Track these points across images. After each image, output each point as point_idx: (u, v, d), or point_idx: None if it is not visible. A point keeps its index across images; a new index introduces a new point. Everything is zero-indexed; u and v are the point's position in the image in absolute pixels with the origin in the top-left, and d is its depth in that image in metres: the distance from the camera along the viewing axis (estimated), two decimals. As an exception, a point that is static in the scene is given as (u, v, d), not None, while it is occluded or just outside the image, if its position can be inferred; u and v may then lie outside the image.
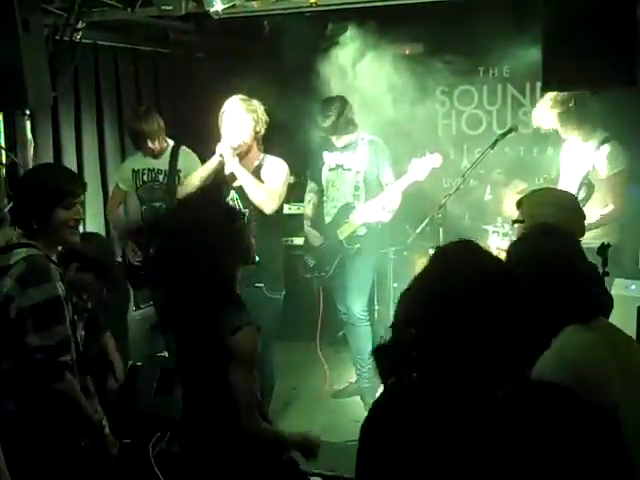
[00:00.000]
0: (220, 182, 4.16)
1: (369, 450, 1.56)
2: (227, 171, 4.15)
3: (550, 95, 4.22)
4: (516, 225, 3.03)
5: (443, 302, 1.53)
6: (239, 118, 4.08)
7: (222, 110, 4.13)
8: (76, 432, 2.77)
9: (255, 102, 4.15)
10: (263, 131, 4.17)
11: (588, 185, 4.09)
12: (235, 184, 4.15)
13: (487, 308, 1.50)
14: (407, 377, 1.57)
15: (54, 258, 2.82)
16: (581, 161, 4.29)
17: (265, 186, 4.06)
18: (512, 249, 2.29)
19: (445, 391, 1.50)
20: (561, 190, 3.84)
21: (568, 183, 4.27)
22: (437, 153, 4.57)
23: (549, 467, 1.27)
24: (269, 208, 4.03)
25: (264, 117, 4.15)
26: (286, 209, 5.59)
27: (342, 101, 4.67)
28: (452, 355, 1.51)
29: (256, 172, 4.11)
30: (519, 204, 2.99)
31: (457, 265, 1.59)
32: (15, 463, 2.37)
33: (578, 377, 1.94)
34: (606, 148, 4.29)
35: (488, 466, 1.36)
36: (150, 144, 4.73)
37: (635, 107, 4.82)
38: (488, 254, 1.66)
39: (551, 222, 2.69)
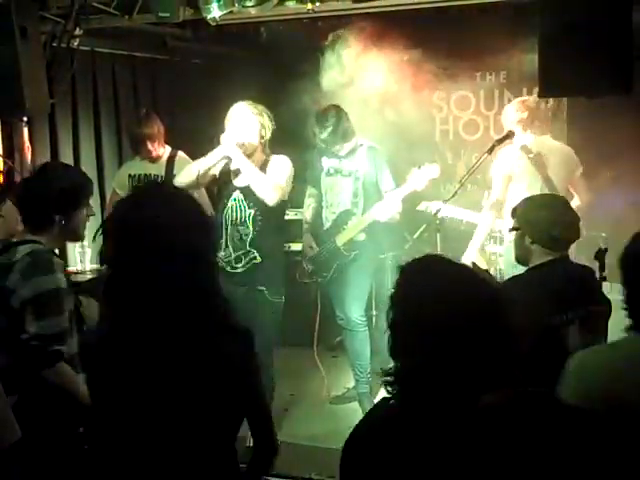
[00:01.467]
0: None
1: (352, 472, 1.57)
2: (233, 167, 4.17)
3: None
4: (512, 233, 3.05)
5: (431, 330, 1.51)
6: (246, 120, 4.14)
7: (228, 116, 4.15)
8: (75, 420, 2.74)
9: (261, 107, 4.19)
10: (268, 136, 4.19)
11: None
12: (240, 184, 4.17)
13: (473, 330, 1.48)
14: (386, 400, 1.56)
15: (56, 252, 2.88)
16: None
17: (268, 177, 4.09)
18: None
19: (425, 411, 1.48)
20: (552, 194, 3.88)
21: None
22: (436, 164, 4.57)
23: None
24: (272, 199, 4.07)
25: (270, 123, 4.18)
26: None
27: (337, 110, 4.63)
28: (430, 376, 1.49)
29: (261, 169, 4.15)
30: (513, 212, 3.01)
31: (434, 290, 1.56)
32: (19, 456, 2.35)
33: None
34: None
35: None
36: (149, 146, 4.72)
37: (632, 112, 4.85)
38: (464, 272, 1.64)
39: (549, 223, 2.75)
